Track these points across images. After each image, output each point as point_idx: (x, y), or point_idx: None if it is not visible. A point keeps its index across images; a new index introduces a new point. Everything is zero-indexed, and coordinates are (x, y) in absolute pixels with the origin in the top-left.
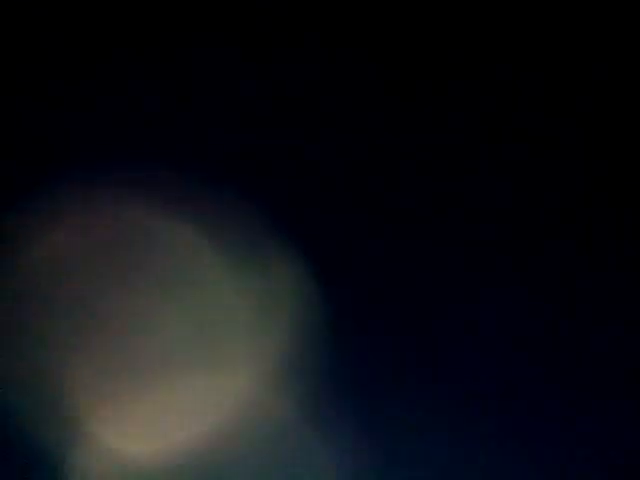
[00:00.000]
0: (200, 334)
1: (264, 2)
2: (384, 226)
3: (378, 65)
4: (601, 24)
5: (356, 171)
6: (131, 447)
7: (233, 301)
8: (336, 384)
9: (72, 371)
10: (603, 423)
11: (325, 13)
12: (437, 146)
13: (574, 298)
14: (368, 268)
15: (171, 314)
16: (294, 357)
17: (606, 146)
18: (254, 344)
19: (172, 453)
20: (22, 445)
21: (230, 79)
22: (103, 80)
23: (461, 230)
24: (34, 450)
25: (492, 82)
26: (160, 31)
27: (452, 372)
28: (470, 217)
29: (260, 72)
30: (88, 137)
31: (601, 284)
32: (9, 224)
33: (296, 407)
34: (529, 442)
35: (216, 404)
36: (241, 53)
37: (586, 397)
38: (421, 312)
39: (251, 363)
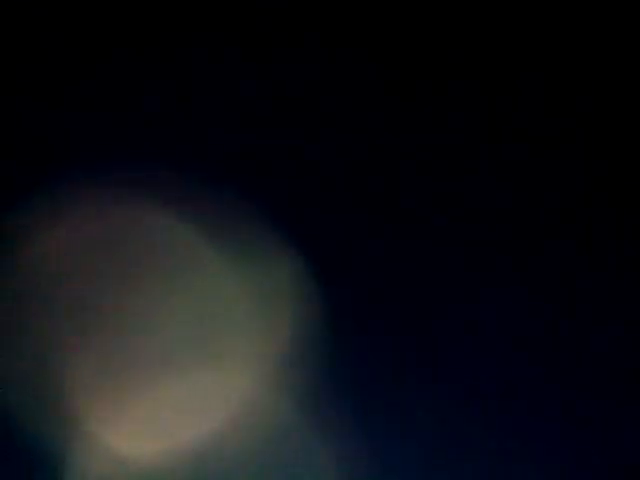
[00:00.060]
0: (200, 334)
1: (264, 2)
2: (384, 226)
3: (378, 65)
4: (601, 24)
5: (356, 171)
6: (131, 447)
7: (233, 301)
8: (336, 384)
9: (72, 371)
10: (603, 423)
11: (325, 13)
12: (437, 146)
13: (574, 298)
14: (368, 268)
15: (171, 314)
16: (294, 357)
17: (606, 146)
18: (254, 344)
19: (172, 453)
20: (22, 445)
21: (230, 79)
22: (103, 80)
23: (461, 230)
24: (34, 450)
25: (492, 82)
26: (160, 31)
27: (452, 372)
28: (470, 217)
29: (260, 72)
30: (88, 137)
31: (601, 284)
32: (9, 224)
33: (296, 407)
34: (529, 442)
35: (216, 404)
36: (241, 53)
37: (586, 397)
38: (421, 312)
39: (251, 363)
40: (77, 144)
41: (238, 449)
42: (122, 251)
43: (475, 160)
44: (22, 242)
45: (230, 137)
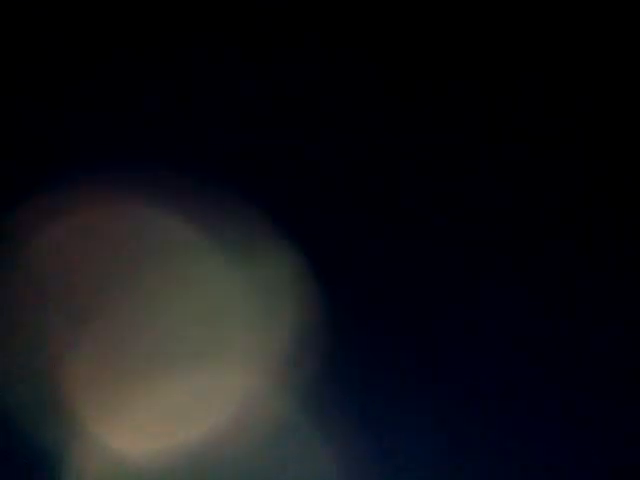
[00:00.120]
0: (200, 334)
1: (264, 2)
2: (384, 226)
3: (378, 65)
4: (601, 24)
5: (356, 171)
6: (130, 447)
7: (233, 301)
8: (336, 384)
9: (71, 370)
10: (603, 423)
11: (325, 13)
12: (437, 146)
13: (574, 298)
14: (368, 268)
15: (171, 314)
16: (294, 356)
17: (606, 146)
18: (254, 344)
19: (172, 453)
20: (22, 445)
21: (230, 79)
22: (103, 80)
23: (461, 230)
24: (34, 450)
25: (492, 82)
26: (160, 31)
27: (452, 372)
28: (470, 217)
29: (260, 72)
30: (88, 137)
31: (601, 284)
32: (9, 224)
33: (296, 407)
34: (529, 442)
35: (216, 403)
36: (241, 53)
37: (586, 397)
38: (421, 312)
39: (251, 363)
40: (77, 144)
41: (238, 449)
42: (121, 251)
43: (475, 160)
44: (22, 242)
45: (230, 137)
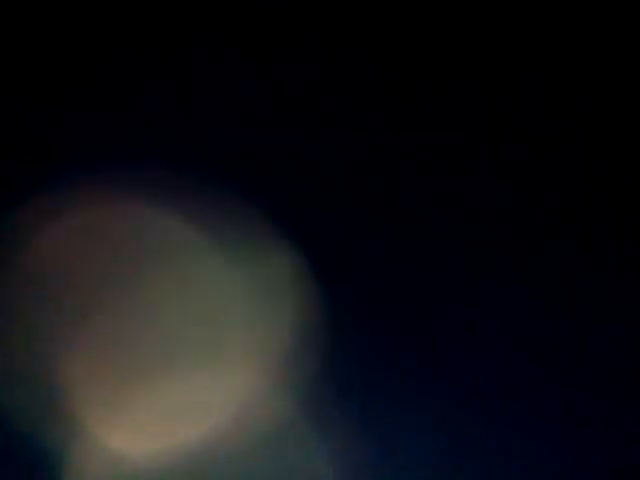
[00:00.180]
0: (200, 334)
1: (264, 2)
2: (384, 226)
3: (378, 65)
4: (601, 24)
5: (356, 171)
6: (131, 447)
7: (233, 301)
8: (336, 384)
9: (72, 370)
10: (603, 423)
11: (325, 13)
12: (437, 146)
13: (574, 298)
14: (368, 268)
15: (171, 314)
16: (294, 356)
17: (606, 146)
18: (254, 344)
19: (172, 453)
20: (22, 445)
21: (230, 79)
22: (103, 80)
23: (461, 230)
24: (34, 450)
25: (492, 82)
26: (160, 31)
27: (452, 372)
28: (470, 217)
29: (260, 72)
30: (88, 137)
31: (601, 284)
32: (9, 224)
33: (296, 407)
34: (529, 442)
35: (216, 404)
36: (241, 53)
37: (586, 397)
38: (421, 312)
39: (252, 363)
40: (77, 144)
41: (238, 449)
42: (121, 251)
43: (475, 160)
44: (22, 242)
45: (230, 137)
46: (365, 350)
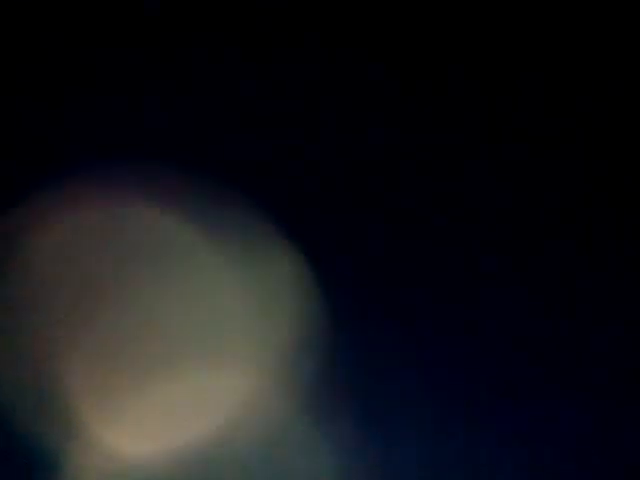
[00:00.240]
0: (200, 334)
1: (264, 2)
2: (384, 226)
3: (378, 65)
4: (601, 24)
5: (356, 171)
6: (131, 447)
7: (233, 301)
8: (336, 384)
9: (71, 370)
10: (603, 423)
11: (325, 13)
12: (437, 146)
13: (574, 298)
14: (368, 268)
15: (171, 314)
16: (294, 357)
17: (606, 146)
18: (254, 344)
19: (172, 453)
20: (21, 445)
21: (230, 79)
22: (103, 80)
23: (461, 230)
24: (34, 450)
25: (492, 82)
26: (160, 31)
27: (452, 372)
28: (470, 217)
29: (260, 72)
30: (88, 137)
31: (601, 284)
32: (9, 224)
33: (296, 407)
34: (529, 442)
35: (216, 404)
36: (241, 53)
37: (586, 397)
38: (421, 312)
39: (252, 362)
40: (77, 144)
41: (238, 449)
42: (121, 251)
43: (475, 160)
44: (22, 242)
45: (230, 137)
46: (365, 350)
